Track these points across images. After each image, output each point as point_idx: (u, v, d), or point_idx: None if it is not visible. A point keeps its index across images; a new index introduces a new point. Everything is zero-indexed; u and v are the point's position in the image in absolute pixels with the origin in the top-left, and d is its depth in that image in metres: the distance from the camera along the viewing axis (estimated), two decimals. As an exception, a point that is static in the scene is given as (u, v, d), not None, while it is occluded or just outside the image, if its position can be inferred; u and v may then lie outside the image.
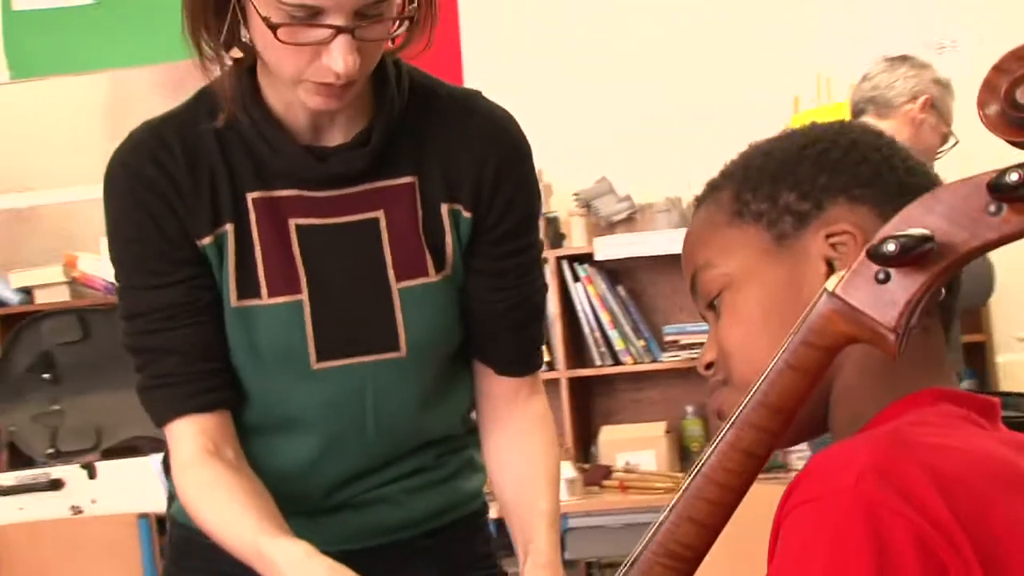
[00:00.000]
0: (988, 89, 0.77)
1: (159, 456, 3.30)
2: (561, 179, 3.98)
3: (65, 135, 4.46)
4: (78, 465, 3.45)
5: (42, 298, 4.16)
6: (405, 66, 1.38)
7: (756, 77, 4.10)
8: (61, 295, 4.16)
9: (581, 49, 4.22)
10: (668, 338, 4.13)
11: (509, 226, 1.39)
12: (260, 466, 1.38)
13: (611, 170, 4.05)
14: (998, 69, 0.76)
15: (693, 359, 4.06)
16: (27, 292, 4.19)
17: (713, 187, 1.00)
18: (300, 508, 1.39)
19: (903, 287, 0.80)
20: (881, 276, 0.81)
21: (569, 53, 4.23)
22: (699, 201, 1.01)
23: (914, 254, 0.77)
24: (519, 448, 1.43)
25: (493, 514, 1.56)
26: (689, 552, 0.89)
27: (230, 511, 1.29)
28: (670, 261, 4.07)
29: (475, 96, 1.42)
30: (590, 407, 4.21)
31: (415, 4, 1.27)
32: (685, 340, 4.10)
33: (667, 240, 3.91)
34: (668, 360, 4.10)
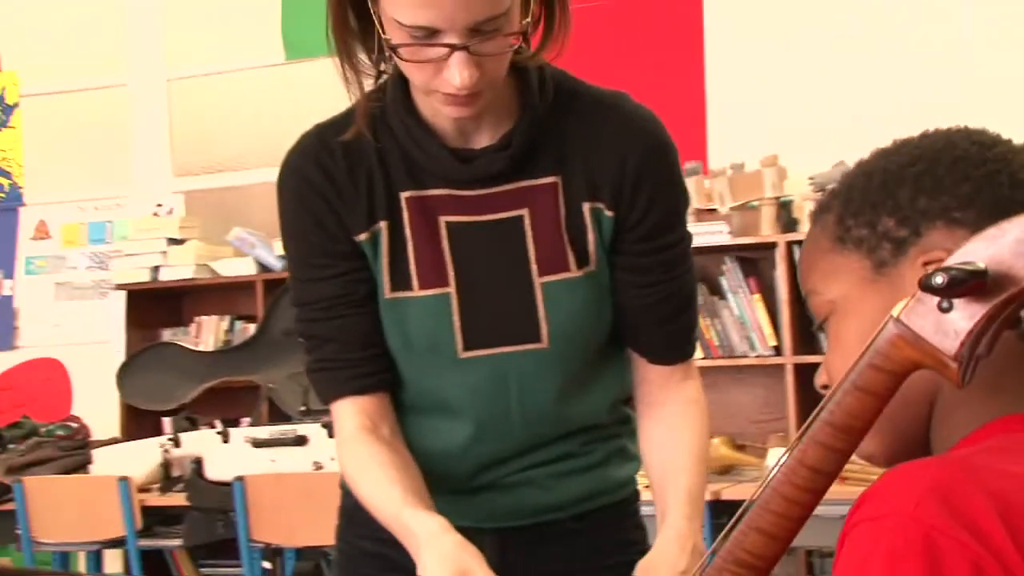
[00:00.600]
0: None
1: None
2: (796, 163, 3.90)
3: (332, 113, 4.74)
4: (320, 424, 3.71)
5: (303, 265, 4.46)
6: (549, 69, 1.42)
7: (1000, 66, 3.89)
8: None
9: (818, 32, 4.12)
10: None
11: (651, 224, 1.41)
12: (415, 445, 1.47)
13: (848, 153, 3.93)
14: None
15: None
16: (290, 259, 4.49)
17: (822, 208, 0.99)
18: (451, 486, 1.48)
19: (965, 317, 0.79)
20: (945, 305, 0.80)
21: (806, 36, 4.14)
22: (814, 217, 1.01)
23: (965, 287, 0.77)
24: (667, 430, 1.47)
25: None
26: (759, 562, 0.91)
27: (380, 483, 1.38)
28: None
29: (618, 97, 1.44)
30: (817, 394, 4.12)
31: (529, 19, 1.30)
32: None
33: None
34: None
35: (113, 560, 4.51)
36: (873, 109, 3.99)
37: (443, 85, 1.29)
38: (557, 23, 1.36)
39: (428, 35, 1.26)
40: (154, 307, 4.85)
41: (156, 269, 4.69)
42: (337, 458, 1.47)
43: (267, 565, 3.79)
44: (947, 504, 0.78)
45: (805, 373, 4.02)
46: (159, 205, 4.97)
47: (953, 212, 0.91)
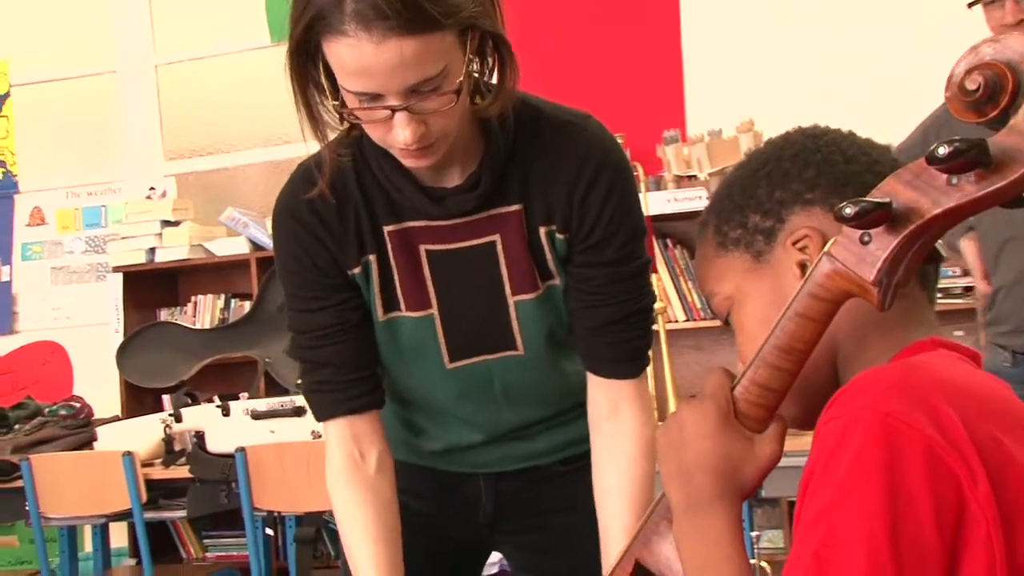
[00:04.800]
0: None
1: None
2: (772, 129, 3.93)
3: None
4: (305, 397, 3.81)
5: (294, 243, 4.56)
6: (511, 101, 1.45)
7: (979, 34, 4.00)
8: (310, 240, 4.54)
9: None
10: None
11: (597, 239, 1.49)
12: (420, 428, 1.66)
13: (824, 119, 3.97)
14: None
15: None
16: (281, 237, 4.58)
17: (701, 224, 1.14)
18: (445, 448, 1.67)
19: (881, 247, 0.91)
20: (865, 239, 0.92)
21: (782, 2, 4.24)
22: (698, 235, 1.15)
23: (871, 216, 0.88)
24: (616, 479, 1.55)
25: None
26: None
27: (361, 555, 1.54)
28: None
29: (576, 121, 1.51)
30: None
31: (462, 78, 1.33)
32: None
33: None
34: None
35: (118, 533, 4.62)
36: (849, 75, 4.10)
37: (394, 142, 1.37)
38: (508, 74, 1.41)
39: (371, 99, 1.33)
40: (150, 288, 4.96)
41: (151, 251, 4.79)
42: (328, 483, 1.58)
43: (269, 532, 3.91)
44: (904, 393, 0.90)
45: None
46: (152, 188, 5.06)
47: (805, 195, 1.05)
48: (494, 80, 1.44)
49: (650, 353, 1.60)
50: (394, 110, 1.32)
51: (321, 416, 1.59)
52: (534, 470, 1.69)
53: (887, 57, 4.09)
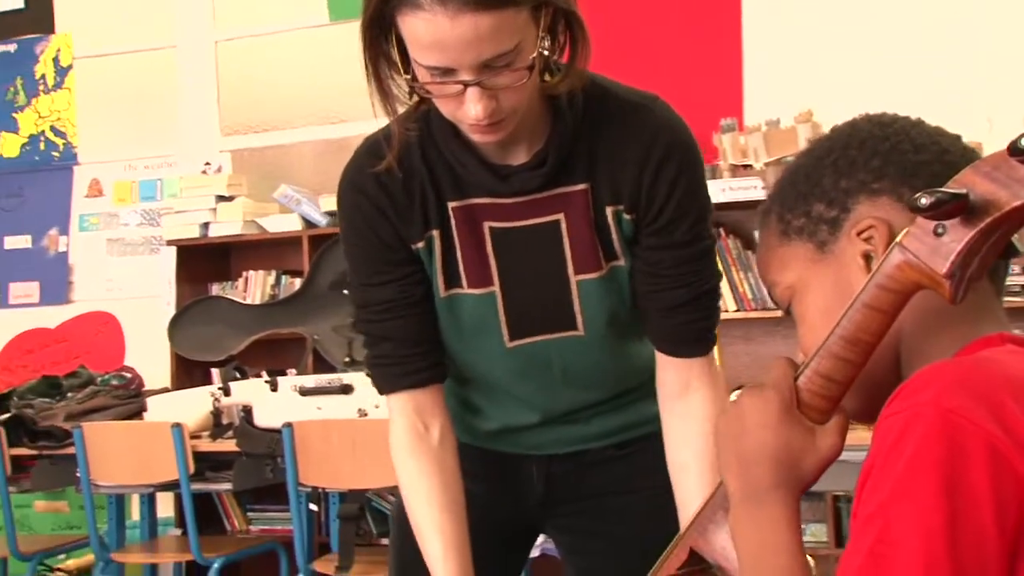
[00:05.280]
0: None
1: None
2: (830, 119, 3.90)
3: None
4: (365, 373, 3.82)
5: (347, 221, 4.57)
6: (581, 80, 1.46)
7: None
8: (363, 219, 4.55)
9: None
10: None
11: (666, 220, 1.50)
12: (473, 409, 1.66)
13: (882, 108, 3.97)
14: None
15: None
16: (334, 216, 4.59)
17: (764, 212, 1.12)
18: (502, 429, 1.67)
19: (956, 239, 0.89)
20: (939, 230, 0.90)
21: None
22: (759, 224, 1.13)
23: (948, 207, 0.87)
24: (691, 456, 1.55)
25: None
26: None
27: (426, 525, 1.56)
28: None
29: (645, 102, 1.51)
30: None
31: (536, 54, 1.34)
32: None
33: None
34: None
35: (165, 503, 4.68)
36: (912, 65, 4.04)
37: (465, 117, 1.38)
38: (580, 53, 1.42)
39: (443, 73, 1.34)
40: (203, 262, 5.00)
41: (206, 225, 4.82)
42: (392, 454, 1.60)
43: (313, 507, 3.94)
44: (966, 389, 0.88)
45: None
46: (207, 163, 5.10)
47: (871, 184, 1.03)
48: (564, 59, 1.44)
49: (717, 331, 1.60)
50: (466, 85, 1.33)
51: (383, 389, 1.60)
52: (586, 453, 1.69)
53: (952, 46, 4.03)
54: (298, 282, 4.72)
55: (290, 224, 4.74)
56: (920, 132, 1.06)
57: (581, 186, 1.50)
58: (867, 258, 1.02)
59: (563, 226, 1.51)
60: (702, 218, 1.53)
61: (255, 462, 3.92)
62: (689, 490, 1.54)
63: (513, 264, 1.53)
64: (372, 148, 1.53)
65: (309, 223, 4.71)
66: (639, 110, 1.50)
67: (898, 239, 0.94)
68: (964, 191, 0.87)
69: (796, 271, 1.07)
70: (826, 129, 1.15)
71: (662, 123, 1.50)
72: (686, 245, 1.52)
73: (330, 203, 4.60)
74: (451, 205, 1.52)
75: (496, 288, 1.53)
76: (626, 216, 1.51)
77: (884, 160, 1.03)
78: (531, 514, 1.74)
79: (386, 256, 1.54)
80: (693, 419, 1.56)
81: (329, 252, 4.45)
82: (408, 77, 1.37)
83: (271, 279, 4.92)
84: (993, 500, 0.84)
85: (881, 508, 0.87)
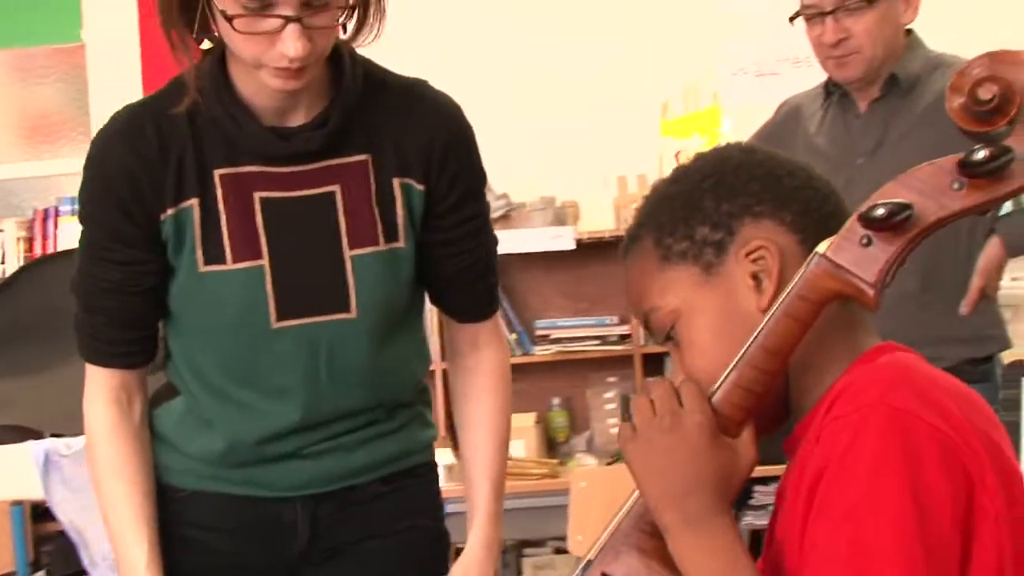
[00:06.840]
0: (952, 88, 0.96)
1: (39, 444, 3.28)
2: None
3: None
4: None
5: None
6: (360, 57, 1.52)
7: (626, 83, 4.34)
8: None
9: (459, 50, 4.35)
10: (539, 332, 4.34)
11: (457, 197, 1.55)
12: (224, 419, 1.55)
13: (489, 169, 4.19)
14: (961, 74, 0.95)
15: (562, 352, 4.28)
16: None
17: (633, 238, 1.14)
18: (259, 455, 1.57)
19: (883, 249, 0.98)
20: (865, 240, 0.99)
21: (446, 53, 4.36)
22: (625, 251, 1.15)
23: (897, 219, 0.95)
24: (475, 407, 1.64)
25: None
26: None
27: (131, 511, 1.55)
28: (543, 258, 4.26)
29: (422, 85, 1.57)
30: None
31: None
32: (555, 334, 4.32)
33: (541, 237, 4.12)
34: (540, 353, 4.30)
35: None
36: (512, 128, 4.18)
37: (274, 59, 1.38)
38: (372, 11, 1.46)
39: (262, 7, 1.35)
40: None
41: None
42: (85, 421, 1.56)
43: None
44: (909, 388, 0.95)
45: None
46: None
47: (754, 208, 1.08)
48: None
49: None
50: (288, 20, 1.35)
51: (89, 359, 1.57)
52: (352, 491, 1.61)
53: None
54: None
55: None
56: (785, 159, 1.13)
57: (360, 157, 1.50)
58: (756, 278, 1.06)
59: (338, 198, 1.50)
60: (483, 187, 1.60)
61: None
62: (473, 445, 1.62)
63: (284, 237, 1.49)
64: (132, 113, 1.50)
65: None
66: (416, 86, 1.56)
67: (819, 250, 1.01)
68: (910, 203, 0.95)
69: (680, 295, 1.09)
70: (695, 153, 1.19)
71: (443, 100, 1.56)
72: (477, 215, 1.58)
73: None
74: (218, 173, 1.48)
75: (265, 262, 1.48)
76: (417, 187, 1.52)
77: (762, 185, 1.09)
78: (289, 567, 1.63)
79: (126, 231, 1.48)
80: (481, 373, 1.63)
81: None
82: (223, 9, 1.36)
83: None
84: (950, 495, 0.92)
85: (850, 511, 0.92)
